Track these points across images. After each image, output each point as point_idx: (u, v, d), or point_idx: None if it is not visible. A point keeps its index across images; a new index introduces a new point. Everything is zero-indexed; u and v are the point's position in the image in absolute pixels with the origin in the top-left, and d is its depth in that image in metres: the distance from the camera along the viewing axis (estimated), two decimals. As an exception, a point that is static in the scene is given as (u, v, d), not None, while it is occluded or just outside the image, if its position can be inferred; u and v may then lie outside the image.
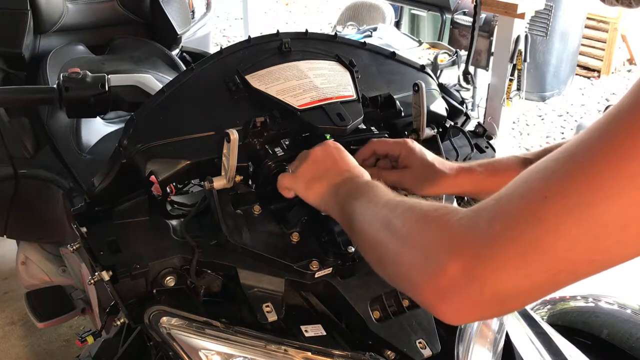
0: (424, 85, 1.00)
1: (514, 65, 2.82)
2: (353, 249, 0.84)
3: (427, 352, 0.83)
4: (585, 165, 0.46)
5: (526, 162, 0.87)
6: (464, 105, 1.18)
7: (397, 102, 1.03)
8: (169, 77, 1.69)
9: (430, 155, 0.90)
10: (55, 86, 1.03)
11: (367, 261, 0.67)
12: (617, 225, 0.45)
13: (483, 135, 1.12)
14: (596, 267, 0.48)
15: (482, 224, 0.51)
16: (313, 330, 0.85)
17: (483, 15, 2.66)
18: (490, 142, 1.12)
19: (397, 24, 3.59)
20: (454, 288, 0.51)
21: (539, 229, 0.47)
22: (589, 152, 0.47)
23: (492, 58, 2.81)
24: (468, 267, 0.50)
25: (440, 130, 1.08)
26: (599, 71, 4.80)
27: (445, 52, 2.66)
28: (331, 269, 0.85)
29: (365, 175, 0.78)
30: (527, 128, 4.10)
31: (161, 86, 0.97)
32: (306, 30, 1.08)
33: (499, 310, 0.54)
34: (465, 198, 1.05)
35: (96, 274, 0.84)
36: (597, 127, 0.47)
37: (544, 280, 0.49)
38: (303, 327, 0.85)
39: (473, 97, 2.86)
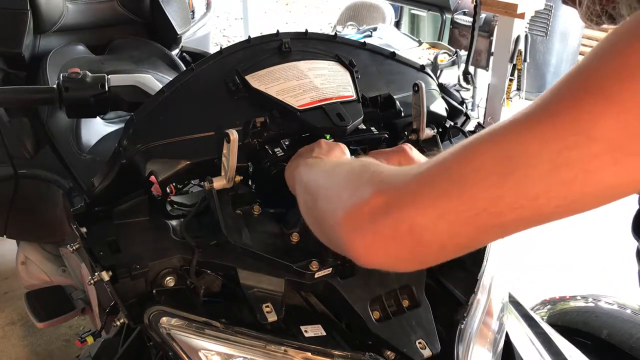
0: (424, 85, 1.00)
1: (514, 65, 2.82)
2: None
3: (427, 352, 0.83)
4: (526, 114, 0.46)
5: None
6: (464, 105, 1.18)
7: (397, 102, 1.03)
8: (169, 77, 1.69)
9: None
10: (55, 86, 1.03)
11: (301, 211, 0.68)
12: (547, 168, 0.44)
13: (483, 135, 1.12)
14: (521, 214, 0.46)
15: (414, 169, 0.52)
16: (313, 331, 0.85)
17: (483, 15, 2.66)
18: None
19: (397, 24, 3.58)
20: (372, 218, 0.51)
21: (464, 165, 0.48)
22: (533, 106, 0.47)
23: (492, 58, 2.81)
24: (389, 200, 0.51)
25: (440, 130, 1.08)
26: (599, 71, 4.80)
27: (445, 52, 2.66)
28: (331, 269, 0.85)
29: (341, 155, 0.80)
30: (527, 128, 4.10)
31: (161, 86, 0.97)
32: (306, 30, 1.08)
33: (414, 251, 0.51)
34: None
35: (96, 274, 0.84)
36: (544, 93, 0.47)
37: (463, 219, 0.48)
38: (303, 327, 0.85)
39: (473, 97, 2.86)
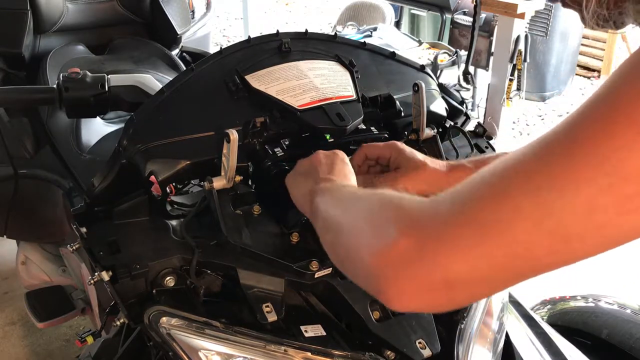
0: (424, 85, 1.00)
1: (514, 65, 2.82)
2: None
3: (426, 352, 0.83)
4: (554, 148, 0.44)
5: None
6: (464, 105, 1.18)
7: (397, 102, 1.03)
8: (169, 77, 1.69)
9: (420, 155, 0.89)
10: (55, 86, 1.03)
11: (325, 249, 0.65)
12: (582, 213, 0.42)
13: (483, 135, 1.12)
14: (556, 259, 0.45)
15: (441, 205, 0.49)
16: (313, 331, 0.85)
17: (483, 15, 2.66)
18: (490, 142, 1.12)
19: (397, 24, 3.58)
20: (403, 264, 0.48)
21: (499, 208, 0.45)
22: (560, 138, 0.45)
23: (492, 58, 2.81)
24: (420, 244, 0.48)
25: (440, 130, 1.08)
26: (599, 71, 4.80)
27: (445, 52, 2.66)
28: (331, 269, 0.85)
29: (345, 173, 0.78)
30: (527, 128, 4.10)
31: (161, 86, 0.97)
32: (306, 30, 1.08)
33: (446, 298, 0.48)
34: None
35: (96, 274, 0.84)
36: (568, 119, 0.46)
37: (499, 265, 0.46)
38: (303, 327, 0.85)
39: (473, 97, 2.86)
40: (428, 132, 1.03)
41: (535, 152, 0.46)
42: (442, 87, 1.18)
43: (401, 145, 0.90)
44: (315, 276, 0.84)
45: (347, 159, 0.82)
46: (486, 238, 0.45)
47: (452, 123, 1.11)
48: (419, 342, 0.83)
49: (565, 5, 0.59)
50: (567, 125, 0.45)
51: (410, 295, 0.49)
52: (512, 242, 0.45)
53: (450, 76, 2.53)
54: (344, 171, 0.78)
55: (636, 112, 0.41)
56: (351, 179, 0.78)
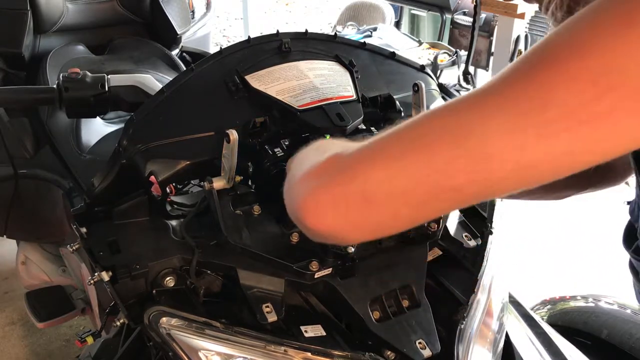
0: (423, 85, 1.00)
1: (514, 65, 2.82)
2: (353, 249, 0.84)
3: (427, 353, 0.83)
4: (487, 83, 0.47)
5: None
6: (464, 105, 1.17)
7: (397, 102, 1.03)
8: (169, 77, 1.69)
9: None
10: (55, 86, 1.03)
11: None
12: (502, 131, 0.44)
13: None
14: (474, 178, 0.46)
15: (374, 136, 0.51)
16: (313, 331, 0.85)
17: (483, 15, 2.67)
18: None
19: (397, 24, 3.59)
20: (322, 175, 0.51)
21: (421, 126, 0.48)
22: (494, 77, 0.47)
23: (492, 58, 2.81)
24: (341, 160, 0.50)
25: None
26: (599, 71, 4.80)
27: (445, 52, 2.66)
28: (331, 269, 0.85)
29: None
30: (527, 128, 4.10)
31: (161, 86, 0.97)
32: (306, 30, 1.08)
33: (364, 212, 0.49)
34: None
35: (96, 274, 0.84)
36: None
37: (417, 179, 0.47)
38: (303, 328, 0.85)
39: (473, 97, 2.86)
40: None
41: (463, 94, 0.49)
42: (442, 87, 1.18)
43: None
44: (315, 276, 0.84)
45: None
46: (405, 154, 0.47)
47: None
48: (419, 342, 0.83)
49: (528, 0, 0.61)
50: (502, 70, 0.47)
51: (325, 207, 0.50)
52: (429, 158, 0.46)
53: (450, 76, 2.53)
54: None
55: (562, 54, 0.43)
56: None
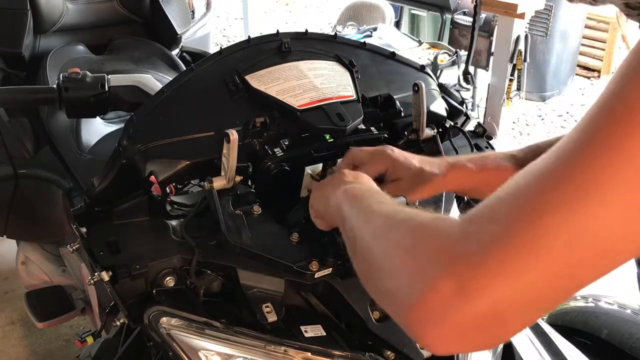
0: (423, 85, 1.00)
1: (514, 65, 2.82)
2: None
3: (426, 353, 0.83)
4: (583, 156, 0.43)
5: (513, 158, 0.87)
6: (464, 105, 1.18)
7: (397, 102, 1.03)
8: (169, 77, 1.69)
9: (416, 160, 0.87)
10: (55, 86, 1.03)
11: (354, 267, 0.61)
12: (619, 219, 0.42)
13: (483, 135, 1.12)
14: (596, 271, 0.45)
15: (474, 230, 0.46)
16: (313, 331, 0.85)
17: (483, 15, 2.66)
18: (490, 142, 1.12)
19: (397, 24, 3.58)
20: (445, 305, 0.45)
21: (536, 227, 0.43)
22: (585, 143, 0.44)
23: (492, 58, 2.81)
24: (461, 280, 0.45)
25: (440, 130, 1.08)
26: (599, 71, 4.80)
27: (445, 52, 2.66)
28: (331, 269, 0.84)
29: (369, 182, 0.76)
30: (527, 128, 4.10)
31: (161, 86, 0.97)
32: (306, 30, 1.08)
33: (497, 331, 0.46)
34: (465, 198, 1.05)
35: (96, 274, 0.84)
36: (592, 118, 0.45)
37: (544, 287, 0.44)
38: (303, 328, 0.85)
39: (473, 97, 2.86)
40: (428, 132, 1.03)
41: (556, 164, 0.45)
42: (442, 87, 1.18)
43: (393, 154, 0.86)
44: (315, 276, 0.84)
45: (371, 180, 0.78)
46: (526, 262, 0.43)
47: (452, 123, 1.11)
48: (419, 342, 0.83)
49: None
50: (585, 130, 0.44)
51: (457, 338, 0.46)
52: (553, 262, 0.43)
53: (450, 76, 2.53)
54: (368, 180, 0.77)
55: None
56: (367, 178, 0.76)
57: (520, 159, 0.86)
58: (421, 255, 0.49)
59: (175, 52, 2.14)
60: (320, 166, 0.95)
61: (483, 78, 3.02)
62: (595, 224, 0.42)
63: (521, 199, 0.45)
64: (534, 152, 0.85)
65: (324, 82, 0.98)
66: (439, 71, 2.52)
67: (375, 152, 0.87)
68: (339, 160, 0.91)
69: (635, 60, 0.43)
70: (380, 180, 0.88)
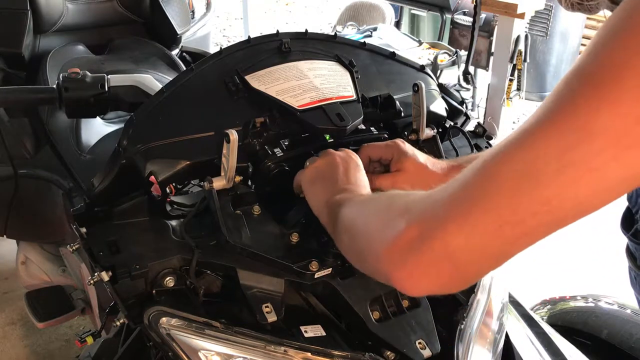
0: (423, 85, 1.00)
1: (514, 65, 2.83)
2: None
3: (426, 353, 0.83)
4: (522, 130, 0.48)
5: None
6: (464, 105, 1.18)
7: (397, 102, 1.02)
8: (169, 77, 1.69)
9: (422, 157, 0.90)
10: (55, 86, 1.03)
11: (342, 252, 0.72)
12: (553, 170, 0.45)
13: (483, 135, 1.12)
14: (541, 221, 0.48)
15: (436, 193, 0.54)
16: (313, 331, 0.85)
17: (483, 15, 2.67)
18: (490, 142, 1.12)
19: (397, 24, 3.59)
20: (409, 250, 0.54)
21: (482, 179, 0.50)
22: (527, 121, 0.48)
23: (492, 58, 2.82)
24: (422, 227, 0.53)
25: (440, 130, 1.08)
26: (599, 71, 4.80)
27: (445, 52, 2.66)
28: (331, 269, 0.85)
29: (366, 191, 0.80)
30: (527, 128, 4.10)
31: (161, 86, 0.97)
32: (306, 30, 1.08)
33: (453, 273, 0.53)
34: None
35: (96, 274, 0.84)
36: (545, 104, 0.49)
37: (490, 233, 0.49)
38: (303, 328, 0.85)
39: (473, 97, 2.86)
40: (428, 132, 1.03)
41: (515, 133, 0.49)
42: (442, 87, 1.17)
43: (403, 146, 0.90)
44: (315, 276, 0.84)
45: (360, 162, 0.84)
46: (473, 210, 0.50)
47: (452, 123, 1.11)
48: (419, 342, 0.83)
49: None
50: (545, 99, 0.48)
51: (419, 276, 0.54)
52: (496, 210, 0.49)
53: (450, 76, 2.53)
54: (361, 179, 0.81)
55: (601, 78, 0.44)
56: (367, 186, 0.81)
57: None
58: (392, 212, 0.59)
59: (175, 52, 2.14)
60: None
61: (483, 78, 3.03)
62: (535, 175, 0.46)
63: (474, 165, 0.52)
64: None
65: (323, 82, 0.98)
66: (439, 71, 2.52)
67: (389, 142, 0.93)
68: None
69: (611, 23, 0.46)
70: (385, 168, 0.92)
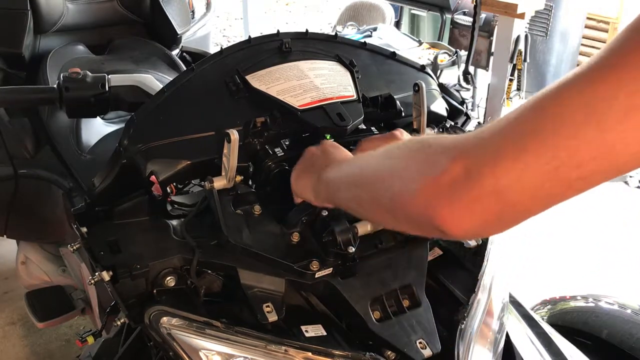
0: (424, 85, 1.00)
1: (514, 65, 2.83)
2: (353, 249, 0.84)
3: (427, 352, 0.83)
4: (586, 69, 0.46)
5: None
6: (464, 105, 1.18)
7: (398, 102, 1.02)
8: (169, 77, 1.69)
9: None
10: (55, 86, 1.03)
11: (359, 213, 0.68)
12: (619, 115, 0.44)
13: (483, 135, 1.12)
14: (600, 166, 0.46)
15: (484, 131, 0.51)
16: (313, 330, 0.85)
17: (483, 15, 2.67)
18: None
19: (397, 24, 3.59)
20: (454, 188, 0.51)
21: (539, 118, 0.47)
22: (591, 62, 0.47)
23: (492, 58, 2.82)
24: (469, 163, 0.50)
25: (441, 130, 1.08)
26: (599, 71, 4.80)
27: (445, 52, 2.66)
28: (331, 269, 0.85)
29: (335, 151, 0.80)
30: (527, 128, 4.10)
31: (161, 86, 0.97)
32: (306, 30, 1.08)
33: (501, 212, 0.50)
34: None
35: (96, 274, 0.84)
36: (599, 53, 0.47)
37: (545, 173, 0.47)
38: (303, 327, 0.85)
39: (473, 97, 2.86)
40: (428, 132, 1.03)
41: (577, 72, 0.48)
42: (442, 87, 1.18)
43: (401, 136, 0.88)
44: (316, 276, 0.84)
45: (335, 144, 0.85)
46: (529, 147, 0.47)
47: (453, 123, 1.11)
48: (419, 342, 0.83)
49: None
50: (613, 41, 0.46)
51: (466, 216, 0.51)
52: (554, 149, 0.46)
53: (450, 76, 2.53)
54: (339, 153, 0.80)
55: None
56: (349, 155, 0.79)
57: None
58: (431, 151, 0.55)
59: (175, 52, 2.14)
60: None
61: (483, 78, 3.03)
62: (603, 119, 0.44)
63: (531, 100, 0.49)
64: None
65: (324, 82, 0.98)
66: (439, 71, 2.52)
67: (387, 133, 0.91)
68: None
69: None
70: None
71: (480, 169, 0.49)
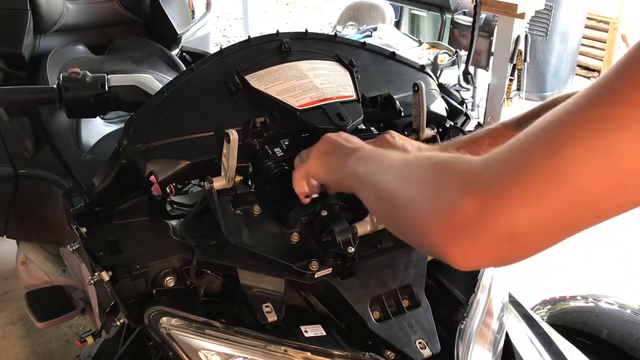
0: (423, 85, 1.00)
1: (514, 65, 2.82)
2: (353, 249, 0.84)
3: (426, 352, 0.83)
4: (605, 95, 0.46)
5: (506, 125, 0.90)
6: (464, 105, 1.18)
7: (397, 102, 1.02)
8: (169, 77, 1.69)
9: (411, 146, 0.89)
10: (55, 86, 1.03)
11: (376, 216, 0.70)
12: (636, 156, 0.44)
13: (483, 135, 1.12)
14: (614, 204, 0.46)
15: (498, 162, 0.50)
16: (313, 331, 0.85)
17: (483, 15, 2.66)
18: (490, 142, 1.12)
19: (397, 24, 3.58)
20: (467, 225, 0.50)
21: (556, 157, 0.46)
22: (608, 85, 0.46)
23: (492, 58, 2.81)
24: (483, 203, 0.49)
25: (441, 130, 1.08)
26: (599, 71, 4.80)
27: (445, 52, 2.66)
28: (331, 269, 0.85)
29: (362, 142, 0.80)
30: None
31: (161, 86, 0.97)
32: (306, 30, 1.08)
33: (512, 251, 0.50)
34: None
35: (96, 274, 0.84)
36: (616, 66, 0.47)
37: (560, 215, 0.47)
38: (303, 327, 0.85)
39: (473, 97, 2.86)
40: (428, 132, 1.03)
41: (583, 102, 0.47)
42: (442, 87, 1.18)
43: (391, 139, 0.89)
44: (316, 276, 0.84)
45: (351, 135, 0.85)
46: (544, 189, 0.47)
47: (452, 123, 1.11)
48: (419, 342, 0.83)
49: None
50: (615, 73, 0.46)
51: (477, 254, 0.51)
52: (570, 191, 0.46)
53: (450, 76, 2.53)
54: (360, 141, 0.81)
55: None
56: (370, 146, 0.79)
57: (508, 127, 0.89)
58: (444, 182, 0.54)
59: (175, 52, 2.14)
60: None
61: (483, 78, 3.02)
62: (616, 155, 0.44)
63: (543, 132, 0.48)
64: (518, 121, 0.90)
65: (324, 82, 0.98)
66: (439, 71, 2.52)
67: (377, 137, 0.91)
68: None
69: None
70: None
71: (495, 211, 0.49)
